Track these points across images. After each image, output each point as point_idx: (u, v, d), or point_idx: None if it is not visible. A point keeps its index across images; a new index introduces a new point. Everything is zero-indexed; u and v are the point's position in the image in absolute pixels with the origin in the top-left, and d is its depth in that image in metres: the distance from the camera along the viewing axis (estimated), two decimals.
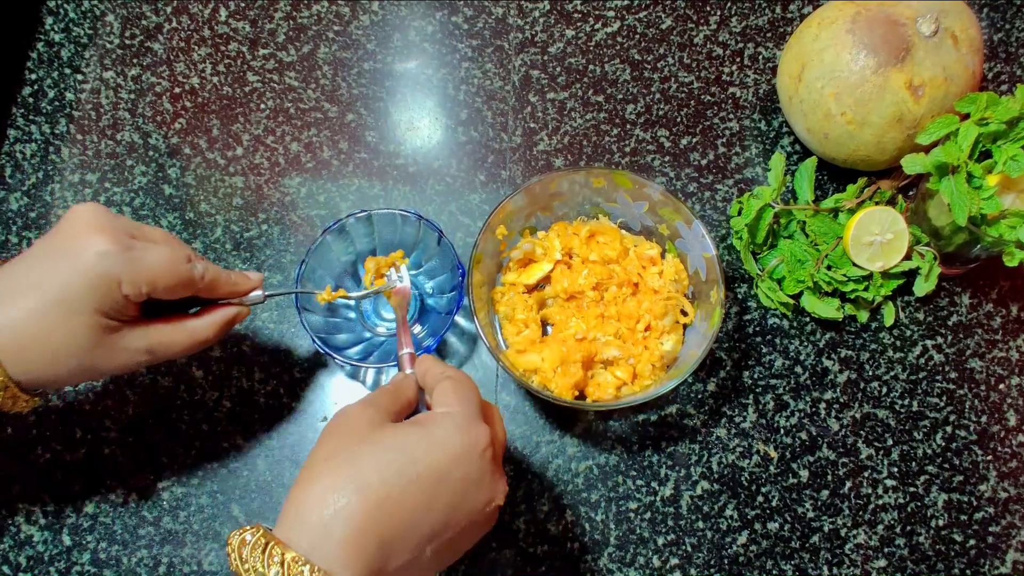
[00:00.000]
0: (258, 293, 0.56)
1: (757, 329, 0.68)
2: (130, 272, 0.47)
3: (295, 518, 0.40)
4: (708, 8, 0.78)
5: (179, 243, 0.52)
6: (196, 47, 0.75)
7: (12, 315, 0.45)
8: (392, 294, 0.63)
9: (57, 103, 0.73)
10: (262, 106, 0.73)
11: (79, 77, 0.74)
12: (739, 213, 0.69)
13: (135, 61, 0.75)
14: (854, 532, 0.63)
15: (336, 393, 0.65)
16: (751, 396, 0.66)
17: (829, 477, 0.64)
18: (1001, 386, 0.67)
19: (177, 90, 0.74)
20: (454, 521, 0.43)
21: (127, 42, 0.75)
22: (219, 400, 0.64)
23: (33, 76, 0.74)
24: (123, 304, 0.48)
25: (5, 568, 0.60)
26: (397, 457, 0.41)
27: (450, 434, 0.43)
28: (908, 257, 0.65)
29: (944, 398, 0.66)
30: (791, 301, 0.67)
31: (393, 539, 0.40)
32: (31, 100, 0.73)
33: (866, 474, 0.64)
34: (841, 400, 0.66)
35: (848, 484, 0.64)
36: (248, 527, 0.41)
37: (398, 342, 0.56)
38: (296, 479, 0.42)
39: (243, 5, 0.77)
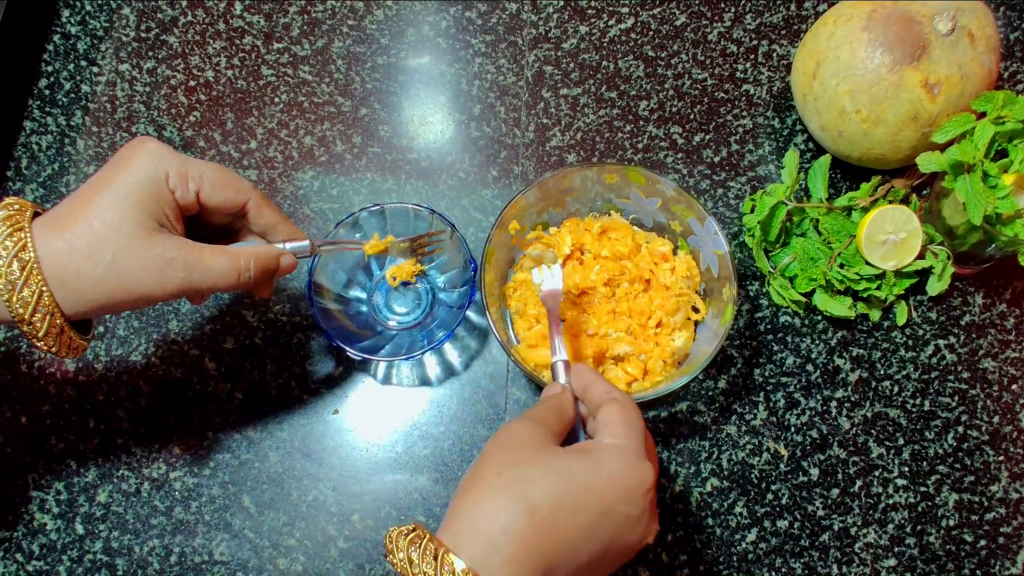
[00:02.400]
0: (304, 243, 0.54)
1: (769, 327, 0.68)
2: (178, 166, 0.48)
3: (466, 528, 0.40)
4: (723, 5, 0.78)
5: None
6: (211, 41, 0.76)
7: (53, 243, 0.45)
8: (544, 294, 0.59)
9: (73, 95, 0.73)
10: (276, 100, 0.74)
11: (95, 69, 0.74)
12: (752, 210, 0.69)
13: (150, 54, 0.75)
14: (864, 531, 0.63)
15: (348, 386, 0.65)
16: (762, 393, 0.66)
17: (839, 475, 0.64)
18: (1014, 387, 0.67)
19: (192, 83, 0.74)
20: (609, 553, 0.43)
21: (143, 35, 0.76)
22: (231, 392, 0.65)
23: (49, 68, 0.74)
24: (169, 202, 0.48)
25: (19, 556, 0.60)
26: (569, 484, 0.42)
27: (620, 469, 0.43)
28: (921, 256, 0.65)
29: (956, 398, 0.66)
30: (803, 299, 0.67)
31: (555, 564, 0.41)
32: (47, 92, 0.73)
33: (877, 473, 0.64)
34: (852, 399, 0.66)
35: (859, 483, 0.64)
36: (409, 527, 0.42)
37: (552, 348, 0.55)
38: (461, 487, 0.43)
39: None
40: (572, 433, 0.49)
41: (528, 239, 0.66)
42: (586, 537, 0.42)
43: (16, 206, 0.47)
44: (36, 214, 0.48)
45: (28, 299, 0.45)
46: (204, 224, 0.53)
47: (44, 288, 0.45)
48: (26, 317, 0.45)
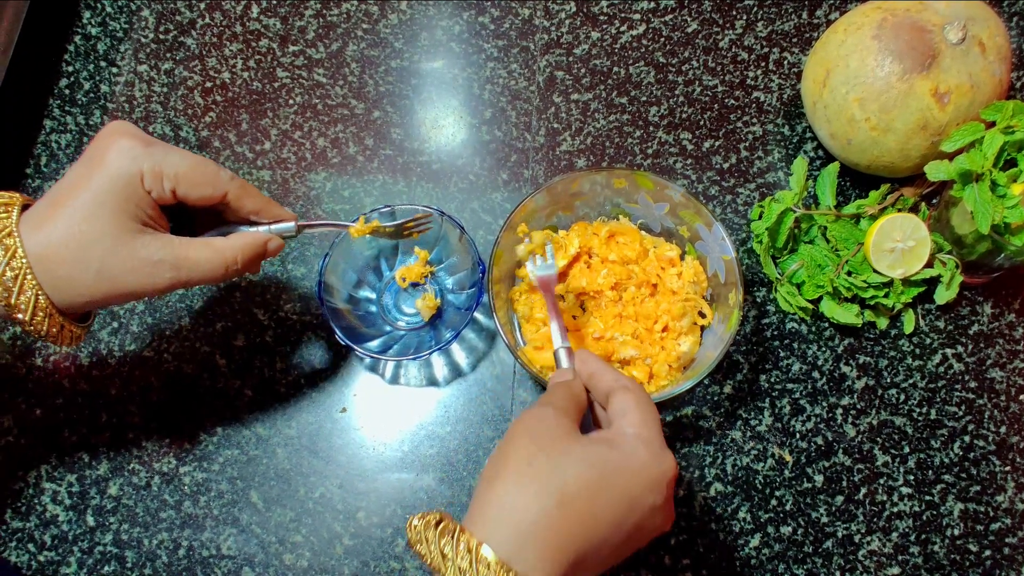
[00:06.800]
0: (290, 225, 0.54)
1: (775, 333, 0.68)
2: (152, 165, 0.47)
3: (497, 519, 0.40)
4: (734, 12, 0.78)
5: (204, 158, 0.51)
6: (228, 43, 0.77)
7: (47, 235, 0.46)
8: (540, 280, 0.60)
9: (92, 95, 0.75)
10: (290, 102, 0.75)
11: (114, 70, 0.76)
12: (760, 217, 0.69)
13: (168, 55, 0.76)
14: (868, 539, 0.63)
15: (356, 385, 0.66)
16: (767, 400, 0.66)
17: (844, 483, 0.64)
18: (1022, 397, 0.66)
19: (208, 84, 0.75)
20: (632, 540, 0.43)
21: (161, 37, 0.77)
22: (241, 388, 0.66)
23: (70, 68, 0.76)
24: (147, 202, 0.48)
25: (31, 546, 0.61)
26: (599, 475, 0.42)
27: (646, 459, 0.43)
28: (930, 265, 0.65)
29: (963, 407, 0.66)
30: (810, 306, 0.67)
31: (586, 554, 0.41)
32: (67, 91, 0.75)
33: (882, 481, 0.64)
34: (858, 406, 0.66)
35: (863, 490, 0.64)
36: (434, 515, 0.41)
37: (552, 334, 0.55)
38: (486, 477, 0.42)
39: (274, 2, 0.78)
40: (584, 419, 0.49)
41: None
42: (615, 527, 0.42)
43: (3, 210, 0.47)
44: (26, 206, 0.48)
45: (25, 305, 0.46)
46: (190, 208, 0.53)
47: (40, 292, 0.47)
48: (27, 320, 0.47)
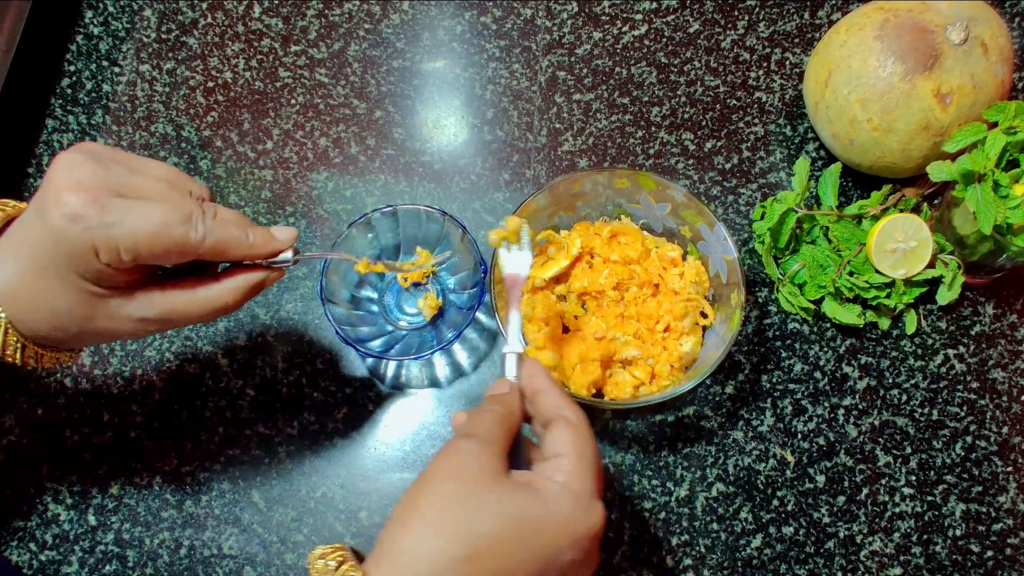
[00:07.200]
0: (287, 255, 0.48)
1: (777, 333, 0.68)
2: (105, 240, 0.41)
3: (399, 566, 0.38)
4: (736, 13, 0.78)
5: (179, 197, 0.44)
6: (230, 42, 0.77)
7: (8, 271, 0.43)
8: (505, 276, 0.56)
9: (94, 94, 0.75)
10: (292, 101, 0.75)
11: (116, 70, 0.76)
12: (762, 217, 0.69)
13: (170, 55, 0.76)
14: (870, 539, 0.63)
15: (357, 385, 0.66)
16: (769, 400, 0.66)
17: (846, 483, 0.64)
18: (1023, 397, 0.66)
19: (210, 84, 0.75)
20: None
21: (163, 36, 0.77)
22: (243, 388, 0.66)
23: (72, 68, 0.76)
24: (108, 273, 0.43)
25: (32, 545, 0.61)
26: (516, 531, 0.39)
27: (569, 515, 0.41)
28: (931, 265, 0.65)
29: (965, 408, 0.66)
30: (812, 306, 0.67)
31: None
32: (69, 91, 0.75)
33: (883, 481, 0.64)
34: (860, 407, 0.66)
35: (865, 491, 0.64)
36: (337, 556, 0.40)
37: (507, 334, 0.51)
38: (398, 516, 0.40)
39: (276, 2, 0.78)
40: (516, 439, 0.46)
41: (537, 240, 0.66)
42: None
43: None
44: (9, 221, 0.45)
45: (12, 355, 0.45)
46: None
47: (23, 343, 0.45)
48: (17, 360, 0.45)
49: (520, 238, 0.57)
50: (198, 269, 0.48)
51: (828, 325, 0.68)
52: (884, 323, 0.67)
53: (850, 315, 0.65)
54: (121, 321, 0.45)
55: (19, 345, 0.45)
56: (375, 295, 0.68)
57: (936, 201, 0.71)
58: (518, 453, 0.45)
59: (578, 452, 0.43)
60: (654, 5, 0.78)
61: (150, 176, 0.44)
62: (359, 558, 0.41)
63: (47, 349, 0.46)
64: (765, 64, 0.76)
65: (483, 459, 0.41)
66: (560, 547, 0.40)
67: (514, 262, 0.56)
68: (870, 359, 0.67)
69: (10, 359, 0.45)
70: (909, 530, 0.63)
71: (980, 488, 0.64)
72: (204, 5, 0.78)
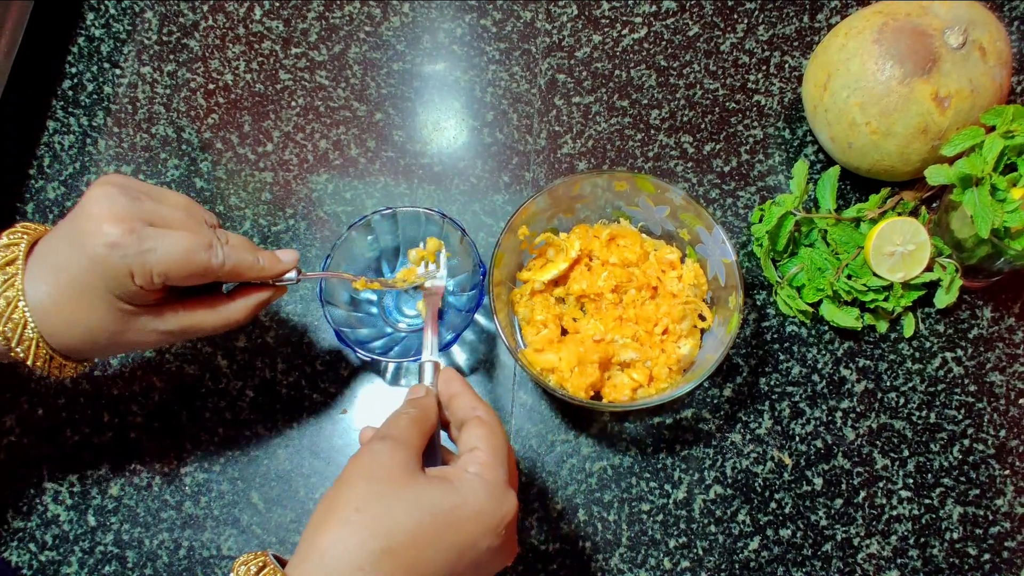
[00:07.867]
0: (292, 275, 0.55)
1: (775, 336, 0.68)
2: (140, 265, 0.46)
3: (318, 566, 0.39)
4: (735, 16, 0.78)
5: (199, 227, 0.49)
6: (231, 45, 0.77)
7: (42, 291, 0.47)
8: (425, 291, 0.62)
9: (95, 96, 0.75)
10: (293, 104, 0.75)
11: (117, 72, 0.76)
12: (760, 220, 0.69)
13: (171, 57, 0.77)
14: (867, 542, 0.63)
15: (356, 387, 0.66)
16: (767, 403, 0.66)
17: (843, 486, 0.64)
18: (1021, 400, 0.66)
19: (211, 86, 0.76)
20: None
21: (164, 38, 0.77)
22: (242, 389, 0.66)
23: (73, 70, 0.76)
24: (140, 293, 0.48)
25: (31, 545, 0.62)
26: (431, 522, 0.41)
27: (484, 505, 0.43)
28: (929, 269, 0.65)
29: (962, 411, 0.66)
30: (810, 309, 0.67)
31: None
32: (70, 93, 0.75)
33: (881, 484, 0.64)
34: (858, 409, 0.66)
35: (862, 494, 0.64)
36: (259, 561, 0.41)
37: (424, 344, 0.55)
38: (316, 518, 0.42)
39: (277, 5, 0.78)
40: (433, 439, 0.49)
41: (536, 243, 0.66)
42: (446, 574, 0.41)
43: (10, 268, 0.48)
44: (33, 244, 0.49)
45: (42, 366, 0.50)
46: None
47: (52, 355, 0.50)
48: (45, 371, 0.51)
49: (437, 258, 0.64)
50: (207, 287, 0.53)
51: (826, 328, 0.68)
52: (882, 326, 0.68)
53: (848, 318, 0.66)
54: (147, 334, 0.51)
55: (48, 357, 0.49)
56: (374, 297, 0.68)
57: (934, 205, 0.71)
58: (434, 457, 0.47)
59: (491, 445, 0.45)
60: (653, 8, 0.78)
61: (171, 205, 0.49)
62: (282, 564, 0.42)
63: (71, 360, 0.51)
64: (764, 67, 0.77)
65: (397, 458, 0.43)
66: (476, 535, 0.42)
67: (433, 277, 0.63)
68: (868, 362, 0.67)
69: (39, 369, 0.50)
70: (906, 533, 0.63)
71: (977, 491, 0.64)
72: (205, 7, 0.78)
